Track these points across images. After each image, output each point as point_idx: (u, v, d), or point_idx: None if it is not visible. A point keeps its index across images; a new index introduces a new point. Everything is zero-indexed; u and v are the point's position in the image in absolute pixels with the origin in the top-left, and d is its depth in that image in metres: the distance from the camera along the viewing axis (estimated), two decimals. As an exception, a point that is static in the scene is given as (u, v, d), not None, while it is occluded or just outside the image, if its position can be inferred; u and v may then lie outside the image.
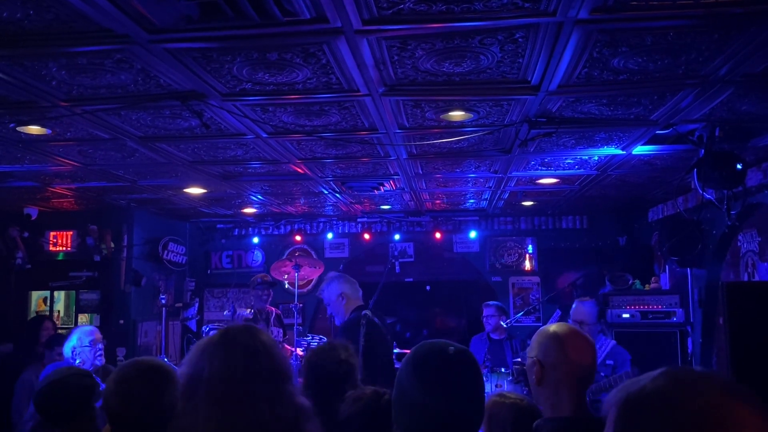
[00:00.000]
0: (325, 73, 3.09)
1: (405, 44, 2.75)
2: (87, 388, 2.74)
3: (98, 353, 4.64)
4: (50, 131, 4.11)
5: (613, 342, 4.53)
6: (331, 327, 7.40)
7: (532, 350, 2.29)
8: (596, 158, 5.09)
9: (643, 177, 5.83)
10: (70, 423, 2.65)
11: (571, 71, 3.08)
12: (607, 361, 4.33)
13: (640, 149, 4.72)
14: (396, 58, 2.91)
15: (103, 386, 4.35)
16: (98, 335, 4.73)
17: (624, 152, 4.80)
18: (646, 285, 6.98)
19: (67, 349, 4.64)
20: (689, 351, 6.40)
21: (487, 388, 5.58)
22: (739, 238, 5.69)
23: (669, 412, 0.83)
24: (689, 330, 6.43)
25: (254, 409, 1.52)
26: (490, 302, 6.63)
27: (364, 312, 3.98)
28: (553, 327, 2.33)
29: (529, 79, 3.21)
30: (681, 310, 6.39)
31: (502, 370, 5.60)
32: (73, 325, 7.59)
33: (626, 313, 6.45)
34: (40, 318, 6.68)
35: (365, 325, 3.97)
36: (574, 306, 4.77)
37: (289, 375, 1.67)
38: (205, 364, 1.58)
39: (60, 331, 7.50)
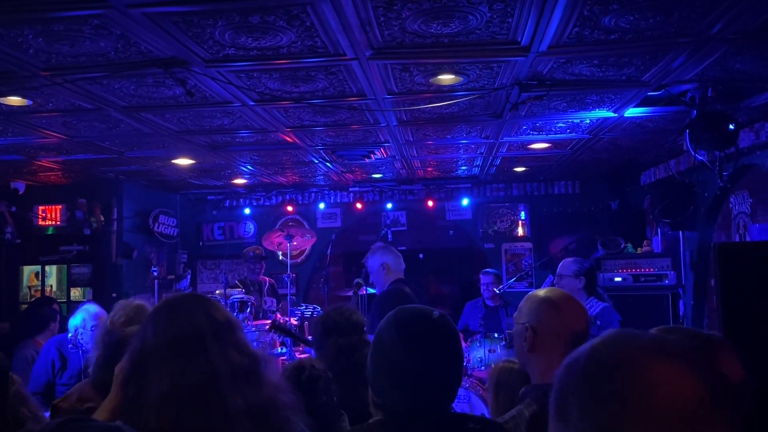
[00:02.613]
0: (309, 36, 3.02)
1: (391, 4, 2.68)
2: None
3: None
4: (31, 102, 4.03)
5: (604, 304, 4.54)
6: (326, 296, 7.41)
7: (522, 316, 2.19)
8: (588, 121, 5.04)
9: (635, 140, 5.79)
10: None
11: (562, 31, 3.01)
12: (597, 322, 4.36)
13: (632, 111, 4.68)
14: (382, 19, 2.84)
15: None
16: (103, 319, 4.38)
17: (616, 115, 4.76)
18: (638, 248, 6.99)
19: (70, 325, 4.50)
20: (681, 313, 6.44)
21: (481, 353, 5.62)
22: (731, 199, 5.69)
23: (598, 377, 0.86)
24: (681, 292, 6.47)
25: (206, 360, 1.55)
26: (489, 270, 6.64)
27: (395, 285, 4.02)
28: (543, 292, 2.22)
29: (519, 39, 3.14)
30: (673, 272, 6.42)
31: (495, 335, 5.64)
32: (66, 300, 7.58)
33: (618, 276, 6.47)
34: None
35: (396, 297, 3.98)
36: (561, 262, 4.80)
37: (240, 326, 1.71)
38: (150, 335, 1.60)
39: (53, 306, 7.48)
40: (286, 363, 4.66)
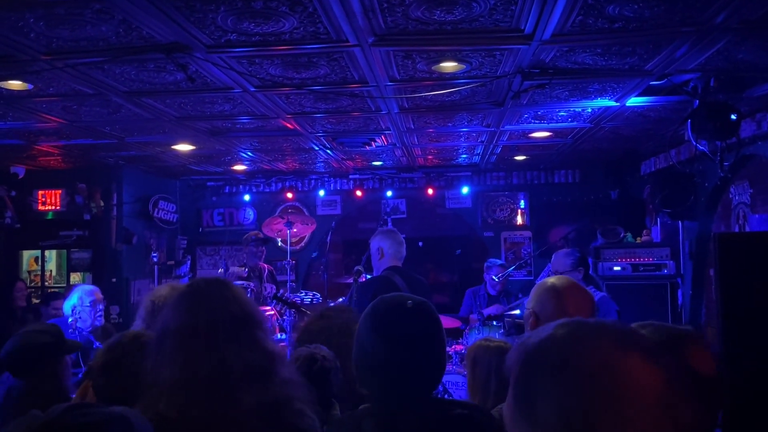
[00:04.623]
0: (312, 22, 3.00)
1: (394, -10, 2.66)
2: (47, 345, 2.75)
3: (98, 314, 4.56)
4: (32, 86, 4.01)
5: (601, 294, 4.55)
6: (325, 284, 7.44)
7: (530, 302, 2.31)
8: (590, 110, 5.03)
9: (636, 129, 5.78)
10: (31, 375, 2.70)
11: (566, 19, 3.00)
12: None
13: (634, 101, 4.66)
14: (385, 5, 2.82)
15: (97, 344, 4.33)
16: (99, 295, 4.64)
17: (618, 104, 4.74)
18: (638, 238, 7.00)
19: (66, 306, 4.54)
20: (679, 303, 6.47)
21: (479, 340, 5.62)
22: (731, 190, 5.69)
23: (566, 370, 0.83)
24: (679, 282, 6.49)
25: (218, 354, 1.56)
26: (496, 260, 6.63)
27: (384, 272, 4.00)
28: (552, 280, 2.34)
29: (523, 27, 3.13)
30: (672, 262, 6.43)
31: (494, 323, 5.66)
32: (65, 284, 7.59)
33: (617, 265, 6.49)
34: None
35: (379, 285, 3.97)
36: (553, 258, 4.79)
37: (258, 322, 1.71)
38: (170, 318, 1.62)
39: (52, 290, 7.52)
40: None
